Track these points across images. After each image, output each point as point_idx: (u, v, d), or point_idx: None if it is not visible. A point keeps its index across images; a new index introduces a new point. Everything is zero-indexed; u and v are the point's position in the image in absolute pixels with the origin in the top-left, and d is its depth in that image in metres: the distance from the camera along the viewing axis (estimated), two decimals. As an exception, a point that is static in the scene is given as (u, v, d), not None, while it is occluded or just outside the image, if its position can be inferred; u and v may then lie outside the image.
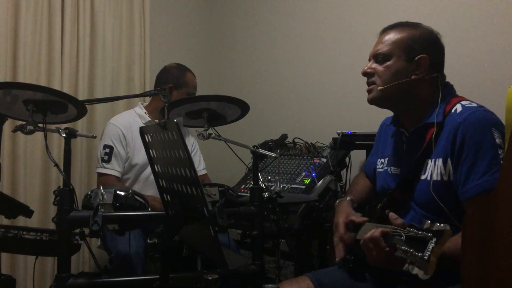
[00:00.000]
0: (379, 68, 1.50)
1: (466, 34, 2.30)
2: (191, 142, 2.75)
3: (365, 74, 1.54)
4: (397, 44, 1.48)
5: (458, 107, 1.41)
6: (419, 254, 1.02)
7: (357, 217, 1.49)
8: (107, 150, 2.40)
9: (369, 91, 1.54)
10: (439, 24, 2.33)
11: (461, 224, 1.11)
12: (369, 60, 1.56)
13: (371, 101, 1.55)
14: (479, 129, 1.32)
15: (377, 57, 1.52)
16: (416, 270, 1.02)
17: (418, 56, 1.46)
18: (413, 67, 1.46)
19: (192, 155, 2.66)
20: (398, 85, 1.47)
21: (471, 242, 1.07)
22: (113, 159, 2.40)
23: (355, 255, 1.48)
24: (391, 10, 2.61)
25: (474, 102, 1.43)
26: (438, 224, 1.04)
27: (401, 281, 1.42)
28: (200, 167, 2.74)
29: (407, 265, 1.04)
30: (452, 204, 1.35)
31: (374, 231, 1.21)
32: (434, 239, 1.02)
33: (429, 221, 1.07)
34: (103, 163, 2.40)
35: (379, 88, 1.48)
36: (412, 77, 1.46)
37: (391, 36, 1.50)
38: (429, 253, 1.00)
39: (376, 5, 2.69)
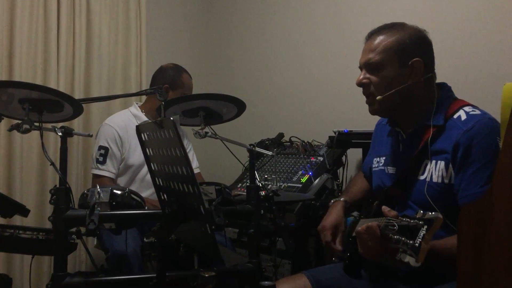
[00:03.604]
0: (374, 78, 1.47)
1: (461, 31, 2.31)
2: (185, 142, 2.75)
3: (360, 85, 1.51)
4: (388, 51, 1.45)
5: (462, 114, 1.40)
6: (411, 242, 1.03)
7: (338, 239, 1.56)
8: (102, 151, 2.40)
9: (369, 104, 1.52)
10: (434, 21, 2.35)
11: (457, 222, 1.12)
12: (360, 68, 1.53)
13: (373, 113, 1.54)
14: (485, 138, 1.32)
15: (369, 66, 1.48)
16: (407, 258, 1.03)
17: (412, 60, 1.43)
18: (408, 71, 1.44)
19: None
20: (396, 93, 1.44)
21: (467, 239, 1.08)
22: (108, 160, 2.40)
23: (351, 252, 1.49)
24: (387, 9, 2.61)
25: (477, 109, 1.42)
26: (430, 213, 1.05)
27: (397, 278, 1.43)
28: (193, 165, 2.73)
29: (399, 253, 1.06)
30: (450, 206, 1.35)
31: (369, 223, 1.22)
32: (426, 227, 1.03)
33: (421, 211, 1.08)
34: (98, 164, 2.39)
35: (378, 98, 1.46)
36: (409, 82, 1.44)
37: (380, 43, 1.46)
38: (420, 240, 1.02)
39: (372, 4, 2.70)
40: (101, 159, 2.39)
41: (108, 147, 2.40)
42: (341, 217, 1.60)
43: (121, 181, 2.47)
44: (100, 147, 2.41)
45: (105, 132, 2.44)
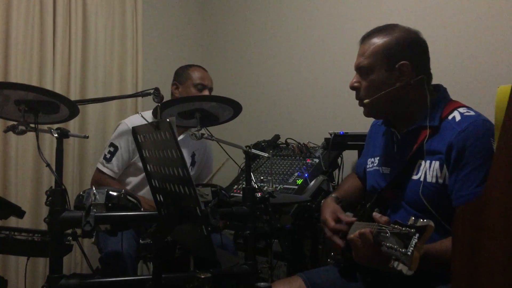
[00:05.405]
0: (364, 82, 1.51)
1: (457, 33, 2.32)
2: (211, 156, 2.75)
3: (352, 88, 1.55)
4: (376, 56, 1.47)
5: (456, 115, 1.41)
6: (403, 250, 1.03)
7: (343, 215, 1.52)
8: (112, 149, 2.40)
9: (362, 106, 1.55)
10: (429, 24, 2.36)
11: (452, 224, 1.12)
12: (356, 72, 1.57)
13: (367, 115, 1.57)
14: (479, 139, 1.33)
15: (360, 70, 1.52)
16: (400, 266, 1.03)
17: (399, 63, 1.45)
18: (396, 74, 1.46)
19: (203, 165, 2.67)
20: (385, 95, 1.47)
21: (462, 242, 1.08)
22: (114, 159, 2.40)
23: (346, 255, 1.49)
24: (383, 11, 2.62)
25: (471, 110, 1.43)
26: (421, 220, 1.05)
27: (392, 281, 1.43)
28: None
29: (392, 261, 1.06)
30: (444, 206, 1.36)
31: (363, 229, 1.22)
32: (417, 235, 1.03)
33: (413, 218, 1.08)
34: (104, 161, 2.40)
35: (366, 101, 1.49)
36: (397, 84, 1.46)
37: (369, 47, 1.49)
38: (412, 248, 1.02)
39: (367, 5, 2.71)
40: (108, 156, 2.40)
41: (119, 146, 2.41)
42: (334, 205, 1.60)
43: (132, 182, 2.46)
44: (111, 144, 2.42)
45: (120, 131, 2.44)
